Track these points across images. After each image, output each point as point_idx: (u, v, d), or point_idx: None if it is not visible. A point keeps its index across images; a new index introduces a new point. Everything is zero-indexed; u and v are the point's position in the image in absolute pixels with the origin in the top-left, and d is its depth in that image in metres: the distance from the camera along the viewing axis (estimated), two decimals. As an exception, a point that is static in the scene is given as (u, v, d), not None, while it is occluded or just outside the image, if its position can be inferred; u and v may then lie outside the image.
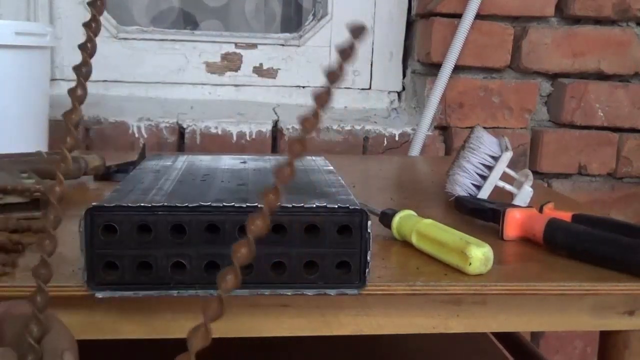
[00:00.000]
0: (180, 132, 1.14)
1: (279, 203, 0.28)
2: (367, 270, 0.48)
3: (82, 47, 0.32)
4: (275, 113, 1.23)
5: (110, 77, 1.26)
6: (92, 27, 0.32)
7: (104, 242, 0.46)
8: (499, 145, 0.76)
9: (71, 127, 0.32)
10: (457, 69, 1.17)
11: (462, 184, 0.73)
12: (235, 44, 1.30)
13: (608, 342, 0.63)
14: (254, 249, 0.29)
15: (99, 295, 0.46)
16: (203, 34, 1.30)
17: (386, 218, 0.61)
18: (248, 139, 1.15)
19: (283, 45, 1.30)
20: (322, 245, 0.47)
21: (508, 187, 0.74)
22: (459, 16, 1.15)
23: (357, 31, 0.27)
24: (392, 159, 1.13)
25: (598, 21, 1.19)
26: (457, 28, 1.15)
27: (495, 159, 0.74)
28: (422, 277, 0.52)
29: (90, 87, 1.28)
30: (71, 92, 0.32)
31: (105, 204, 0.46)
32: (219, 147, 1.14)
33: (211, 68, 1.29)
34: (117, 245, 0.46)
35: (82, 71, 0.32)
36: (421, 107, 1.22)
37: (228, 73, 1.30)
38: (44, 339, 0.33)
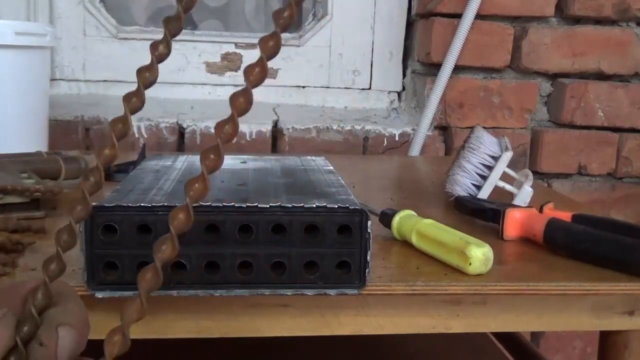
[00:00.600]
0: (180, 132, 1.14)
1: (206, 193, 0.27)
2: (367, 270, 0.48)
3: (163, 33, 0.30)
4: (275, 113, 1.23)
5: (110, 77, 1.26)
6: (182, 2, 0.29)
7: (104, 242, 0.46)
8: (499, 145, 0.76)
9: (129, 114, 0.30)
10: (457, 69, 1.17)
11: (462, 184, 0.73)
12: (235, 44, 1.30)
13: (608, 342, 0.63)
14: (177, 246, 0.28)
15: (99, 295, 0.46)
16: (203, 34, 1.30)
17: (386, 218, 0.61)
18: (248, 139, 1.15)
19: (283, 45, 1.30)
20: (322, 245, 0.47)
21: (508, 187, 0.74)
22: (459, 16, 1.15)
23: None
24: (392, 159, 1.13)
25: (598, 21, 1.19)
26: (457, 28, 1.15)
27: (495, 159, 0.74)
28: (422, 277, 0.52)
29: (90, 87, 1.28)
30: (138, 72, 0.29)
31: (105, 204, 0.46)
32: (219, 147, 1.14)
33: (211, 68, 1.29)
34: (117, 245, 0.46)
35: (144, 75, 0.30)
36: (421, 107, 1.22)
37: (228, 73, 1.30)
38: (48, 311, 0.32)
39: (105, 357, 0.28)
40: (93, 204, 0.45)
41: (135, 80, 0.30)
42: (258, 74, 0.27)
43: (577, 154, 1.21)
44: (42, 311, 0.32)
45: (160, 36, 0.30)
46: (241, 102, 0.27)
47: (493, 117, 1.20)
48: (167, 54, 0.30)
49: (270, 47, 0.27)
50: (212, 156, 0.27)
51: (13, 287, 0.34)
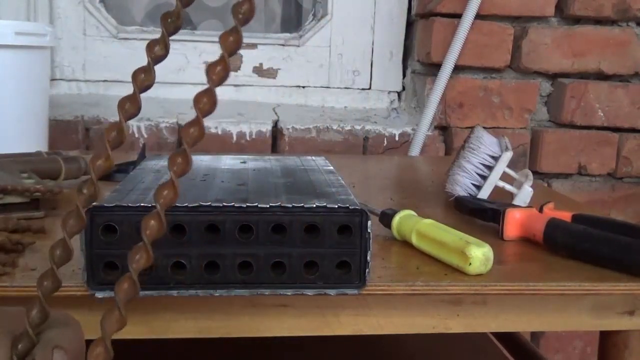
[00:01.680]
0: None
1: (176, 199, 0.27)
2: (367, 270, 0.48)
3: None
4: (275, 113, 1.23)
5: (110, 77, 1.26)
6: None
7: (104, 242, 0.46)
8: (499, 145, 0.76)
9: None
10: (457, 69, 1.17)
11: (462, 184, 0.73)
12: (235, 44, 1.29)
13: (608, 342, 0.63)
14: (151, 254, 0.27)
15: (99, 295, 0.46)
16: (203, 34, 1.30)
17: (386, 218, 0.61)
18: (248, 139, 1.15)
19: (283, 45, 1.30)
20: (322, 245, 0.47)
21: (508, 187, 0.74)
22: (459, 16, 1.15)
23: None
24: (392, 159, 1.13)
25: (598, 21, 1.19)
26: (457, 28, 1.15)
27: (495, 159, 0.74)
28: (422, 277, 0.52)
29: (90, 87, 1.27)
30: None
31: (105, 204, 0.46)
32: (219, 147, 1.14)
33: (211, 68, 1.29)
34: (117, 245, 0.46)
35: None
36: (421, 107, 1.22)
37: (228, 73, 1.30)
38: (46, 332, 0.32)
39: (102, 335, 0.28)
40: (93, 203, 0.45)
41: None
42: (220, 72, 0.26)
43: (577, 154, 1.21)
44: (39, 329, 0.32)
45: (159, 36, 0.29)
46: (205, 102, 0.26)
47: (493, 117, 1.20)
48: (165, 55, 0.29)
49: (231, 43, 0.26)
50: (179, 160, 0.26)
51: (20, 312, 0.34)
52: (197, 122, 0.26)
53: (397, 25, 1.32)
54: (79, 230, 0.30)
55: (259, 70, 1.30)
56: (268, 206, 0.46)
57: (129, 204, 0.46)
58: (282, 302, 0.52)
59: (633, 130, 1.21)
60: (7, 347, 0.30)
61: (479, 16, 1.15)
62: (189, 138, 0.26)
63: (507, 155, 0.74)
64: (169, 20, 0.28)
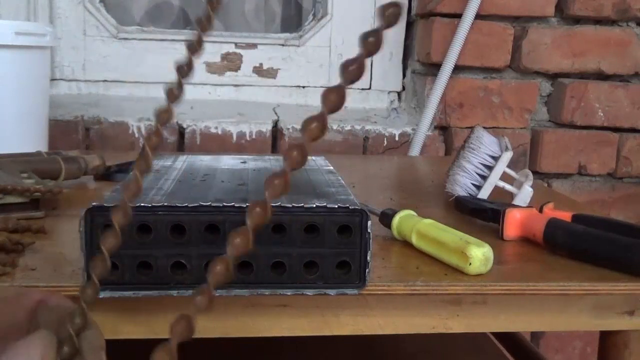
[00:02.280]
0: (180, 132, 1.14)
1: (287, 190, 0.26)
2: (367, 270, 0.48)
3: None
4: (275, 113, 1.23)
5: (110, 77, 1.26)
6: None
7: (104, 242, 0.46)
8: (499, 145, 0.76)
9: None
10: (457, 69, 1.17)
11: (462, 184, 0.73)
12: (235, 44, 1.30)
13: (608, 342, 0.63)
14: (251, 240, 0.27)
15: (99, 295, 0.46)
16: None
17: (386, 218, 0.61)
18: (248, 139, 1.15)
19: (283, 45, 1.30)
20: (322, 245, 0.47)
21: (508, 187, 0.74)
22: (459, 16, 1.15)
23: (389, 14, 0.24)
24: (392, 159, 1.13)
25: (598, 21, 1.19)
26: (457, 28, 1.15)
27: (495, 159, 0.74)
28: (422, 277, 0.52)
29: (90, 87, 1.27)
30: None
31: (105, 204, 0.45)
32: (219, 147, 1.14)
33: (211, 68, 1.29)
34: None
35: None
36: (421, 107, 1.22)
37: (228, 73, 1.30)
38: (83, 334, 0.33)
39: (170, 342, 0.28)
40: (93, 203, 0.45)
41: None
42: (316, 128, 0.26)
43: (577, 154, 1.21)
44: (78, 333, 0.33)
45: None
46: (314, 127, 0.26)
47: (493, 117, 1.20)
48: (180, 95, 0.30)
49: (332, 102, 0.26)
50: (295, 153, 0.26)
51: (17, 297, 0.34)
52: (321, 117, 0.26)
53: (397, 25, 1.32)
54: (127, 221, 0.32)
55: (258, 70, 1.30)
56: (268, 206, 0.46)
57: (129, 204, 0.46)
58: (282, 302, 0.52)
59: (633, 130, 1.21)
60: (54, 350, 0.32)
61: (479, 16, 1.15)
62: (310, 133, 0.26)
63: (507, 155, 0.74)
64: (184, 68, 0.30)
